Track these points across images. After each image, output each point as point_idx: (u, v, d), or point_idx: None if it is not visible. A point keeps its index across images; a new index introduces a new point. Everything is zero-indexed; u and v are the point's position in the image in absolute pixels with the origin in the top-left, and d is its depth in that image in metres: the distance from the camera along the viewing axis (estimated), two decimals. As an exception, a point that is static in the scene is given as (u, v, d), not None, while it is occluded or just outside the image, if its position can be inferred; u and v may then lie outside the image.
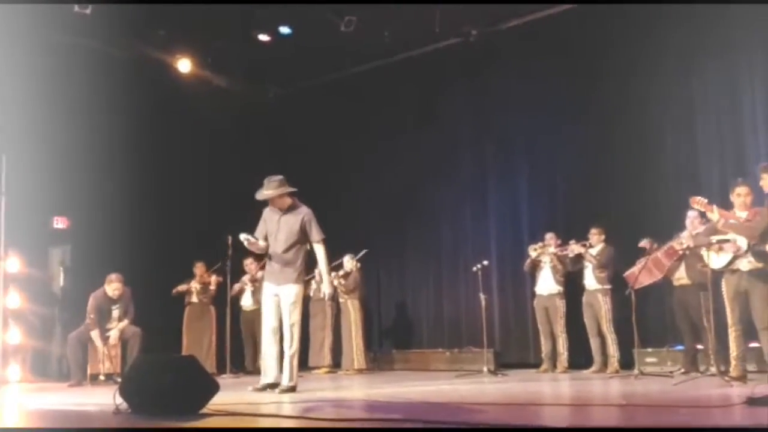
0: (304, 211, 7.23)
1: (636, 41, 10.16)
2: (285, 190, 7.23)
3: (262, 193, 7.24)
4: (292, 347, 7.06)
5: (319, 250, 7.23)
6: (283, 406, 5.87)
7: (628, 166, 10.12)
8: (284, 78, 13.01)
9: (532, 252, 10.04)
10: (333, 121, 12.93)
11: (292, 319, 7.06)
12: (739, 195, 7.03)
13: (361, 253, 11.14)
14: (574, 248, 9.61)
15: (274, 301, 7.13)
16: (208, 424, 4.77)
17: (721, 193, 7.36)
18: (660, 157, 10.05)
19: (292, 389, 7.03)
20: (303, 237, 7.18)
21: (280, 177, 7.32)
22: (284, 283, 7.11)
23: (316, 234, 7.18)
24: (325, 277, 7.50)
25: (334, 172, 12.95)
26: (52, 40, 10.36)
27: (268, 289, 7.20)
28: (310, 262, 10.94)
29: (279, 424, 4.79)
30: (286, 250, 7.13)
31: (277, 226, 7.19)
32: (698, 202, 6.98)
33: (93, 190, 10.51)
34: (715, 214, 6.85)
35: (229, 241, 10.52)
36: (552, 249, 9.90)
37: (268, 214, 7.30)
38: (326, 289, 7.67)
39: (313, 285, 11.31)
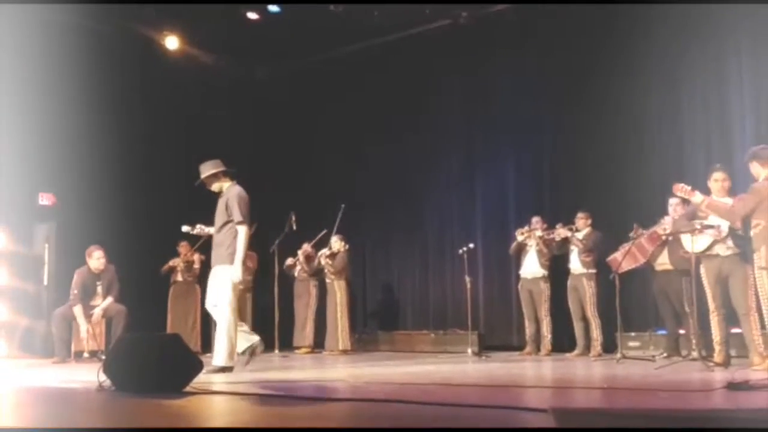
0: (231, 191, 7.20)
1: (625, 28, 10.15)
2: (210, 172, 7.25)
3: (199, 180, 7.33)
4: (222, 328, 6.99)
5: (239, 232, 7.07)
6: (265, 384, 5.89)
7: (614, 151, 10.15)
8: (272, 57, 12.94)
9: (519, 236, 10.06)
10: (320, 101, 12.90)
11: (221, 299, 7.02)
12: (716, 180, 7.07)
13: (320, 234, 11.11)
14: (560, 232, 9.65)
15: (212, 279, 7.17)
16: (191, 403, 4.78)
17: (706, 180, 7.37)
18: (646, 144, 10.09)
19: (222, 370, 6.89)
20: (230, 218, 7.13)
21: (212, 161, 7.35)
22: (216, 264, 7.13)
23: (235, 215, 7.07)
24: (237, 261, 7.04)
25: (320, 153, 12.94)
26: (39, 17, 10.26)
27: (212, 272, 7.24)
28: (290, 243, 11.06)
29: (261, 402, 4.81)
30: (218, 231, 7.17)
31: (216, 209, 7.26)
32: (681, 189, 6.99)
33: (79, 167, 10.46)
34: (698, 197, 6.88)
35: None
36: (539, 233, 9.92)
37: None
38: (234, 274, 7.04)
39: (297, 266, 11.35)
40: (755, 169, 6.82)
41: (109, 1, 10.34)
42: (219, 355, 6.99)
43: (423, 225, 12.23)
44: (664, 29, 9.91)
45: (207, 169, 7.31)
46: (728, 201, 6.98)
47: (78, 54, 10.38)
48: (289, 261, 11.36)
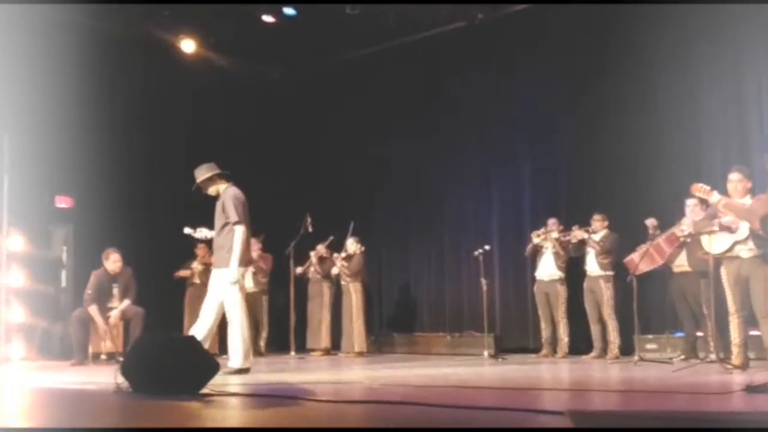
0: (227, 193, 7.19)
1: (642, 27, 10.09)
2: (205, 175, 7.24)
3: (195, 185, 7.32)
4: (235, 329, 6.99)
5: (235, 233, 7.05)
6: (282, 386, 5.90)
7: (631, 152, 10.08)
8: (288, 60, 12.97)
9: (536, 238, 10.04)
10: (337, 104, 12.91)
11: (227, 302, 7.02)
12: (731, 181, 7.03)
13: (328, 240, 11.15)
14: (577, 234, 9.61)
15: (214, 282, 7.15)
16: (209, 404, 4.79)
17: (724, 181, 7.33)
18: (663, 145, 10.02)
19: (239, 372, 6.92)
20: (228, 220, 7.12)
21: (207, 164, 7.34)
22: (218, 267, 7.13)
23: (231, 215, 7.06)
24: (233, 262, 7.00)
25: (336, 154, 12.95)
26: (56, 19, 10.33)
27: (213, 273, 7.25)
28: (303, 246, 11.08)
29: (277, 404, 4.81)
30: (218, 234, 7.16)
31: (215, 214, 7.25)
32: (699, 188, 6.95)
33: (96, 170, 10.51)
34: (715, 196, 6.83)
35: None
36: (555, 234, 9.89)
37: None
38: (230, 275, 7.01)
39: (311, 268, 11.36)
40: None
41: (127, 1, 10.38)
42: (235, 357, 7.00)
43: (439, 227, 12.22)
44: (682, 30, 9.85)
45: (202, 173, 7.30)
46: (747, 202, 6.93)
47: (95, 57, 10.45)
48: (299, 270, 11.34)
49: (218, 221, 7.17)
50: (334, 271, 11.17)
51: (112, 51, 10.70)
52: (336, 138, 12.99)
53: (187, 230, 7.54)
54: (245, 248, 7.12)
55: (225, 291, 7.04)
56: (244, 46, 12.19)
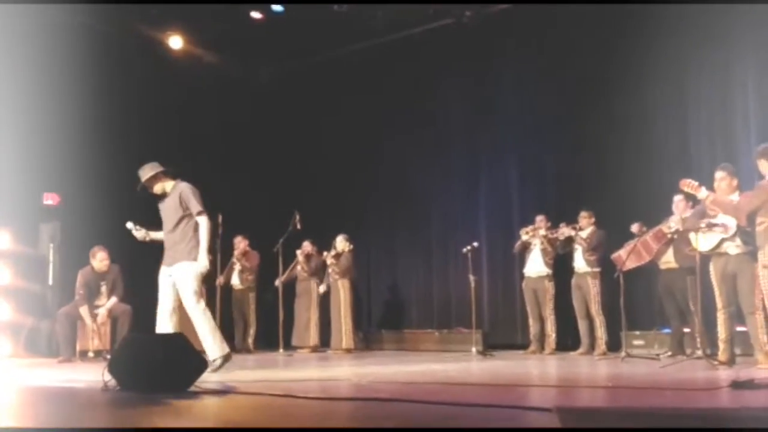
0: (180, 187, 7.08)
1: (630, 28, 10.14)
2: (151, 173, 7.13)
3: (140, 185, 7.17)
4: (201, 324, 6.87)
5: (200, 223, 6.96)
6: (270, 384, 5.89)
7: (618, 149, 10.14)
8: (276, 56, 12.95)
9: (524, 234, 10.06)
10: (324, 101, 12.91)
11: (189, 295, 6.86)
12: (716, 179, 7.07)
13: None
14: (564, 231, 9.64)
15: (169, 282, 6.99)
16: (197, 402, 4.78)
17: (710, 179, 7.36)
18: (651, 143, 10.07)
19: (224, 361, 6.90)
20: (186, 213, 7.00)
21: (150, 164, 7.22)
22: (177, 262, 6.95)
23: (194, 207, 6.96)
24: (202, 252, 6.91)
25: (325, 152, 12.95)
26: (43, 17, 10.28)
27: (163, 272, 7.06)
28: (289, 246, 11.06)
29: (266, 402, 4.81)
30: (173, 230, 7.01)
31: (164, 210, 7.12)
32: (687, 184, 7.01)
33: (83, 167, 10.46)
34: (703, 192, 6.88)
35: (219, 219, 10.53)
36: (542, 231, 9.92)
37: (160, 202, 7.20)
38: (200, 265, 6.91)
39: (298, 266, 11.35)
40: (763, 166, 6.80)
41: (113, 1, 10.34)
42: (211, 350, 6.91)
43: (427, 224, 12.23)
44: (669, 31, 9.88)
45: (146, 173, 7.16)
46: (735, 198, 6.97)
47: (82, 54, 10.39)
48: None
49: (171, 217, 7.02)
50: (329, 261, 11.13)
51: (99, 48, 10.63)
52: (324, 135, 12.99)
53: (129, 224, 7.23)
54: (210, 238, 7.07)
55: (187, 284, 6.87)
56: (232, 42, 12.17)
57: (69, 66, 10.25)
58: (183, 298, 6.93)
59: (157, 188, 7.17)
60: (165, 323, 6.99)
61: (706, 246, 7.11)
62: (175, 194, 7.05)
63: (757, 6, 9.00)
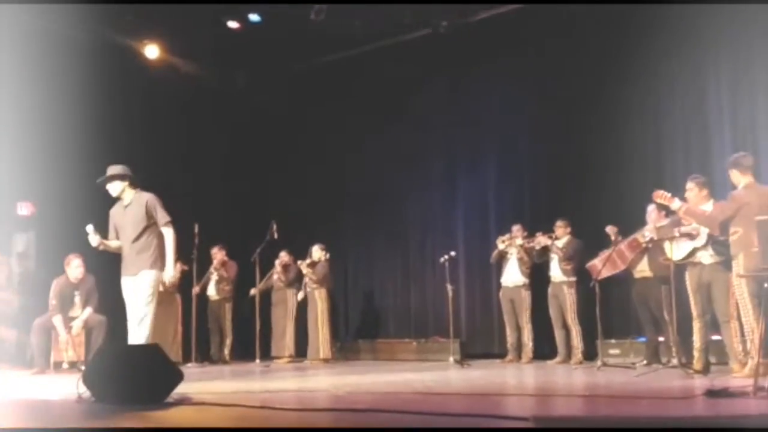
0: (144, 197, 6.98)
1: (604, 36, 10.23)
2: (119, 172, 7.04)
3: (104, 178, 7.07)
4: (140, 339, 6.67)
5: (167, 234, 6.88)
6: (246, 395, 5.87)
7: (594, 160, 10.20)
8: (253, 66, 12.93)
9: (500, 244, 10.10)
10: (302, 111, 12.89)
11: (143, 308, 6.73)
12: (686, 190, 7.16)
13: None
14: (540, 240, 9.68)
15: (132, 289, 6.85)
16: (172, 414, 4.75)
17: (684, 187, 7.42)
18: (626, 153, 10.11)
19: None
20: (150, 223, 6.90)
21: (122, 166, 7.13)
22: (140, 270, 6.81)
23: (161, 217, 6.89)
24: (169, 262, 6.87)
25: (302, 161, 12.92)
26: (16, 23, 10.18)
27: (126, 283, 6.93)
28: (266, 256, 11.03)
29: (242, 413, 4.79)
30: (136, 239, 6.88)
31: (123, 218, 6.99)
32: (660, 195, 7.08)
33: (58, 175, 10.37)
34: (676, 203, 6.96)
35: (196, 229, 10.50)
36: (519, 241, 9.96)
37: (115, 210, 7.10)
38: (167, 275, 6.89)
39: (275, 275, 11.32)
40: (735, 177, 6.88)
41: (90, 1, 10.26)
42: None
43: (404, 233, 12.24)
44: (643, 38, 9.97)
45: (117, 170, 7.07)
46: (708, 208, 7.04)
47: (57, 63, 10.32)
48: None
49: (134, 226, 6.89)
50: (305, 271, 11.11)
51: (74, 56, 10.53)
52: (301, 145, 12.97)
53: (89, 227, 6.95)
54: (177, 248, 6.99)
55: (145, 292, 6.75)
56: (208, 52, 12.13)
57: (44, 75, 10.18)
58: (136, 305, 6.76)
59: (117, 189, 7.02)
60: (137, 334, 6.84)
61: (679, 255, 7.18)
62: (139, 204, 6.93)
63: (730, 9, 9.10)
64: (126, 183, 7.03)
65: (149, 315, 6.76)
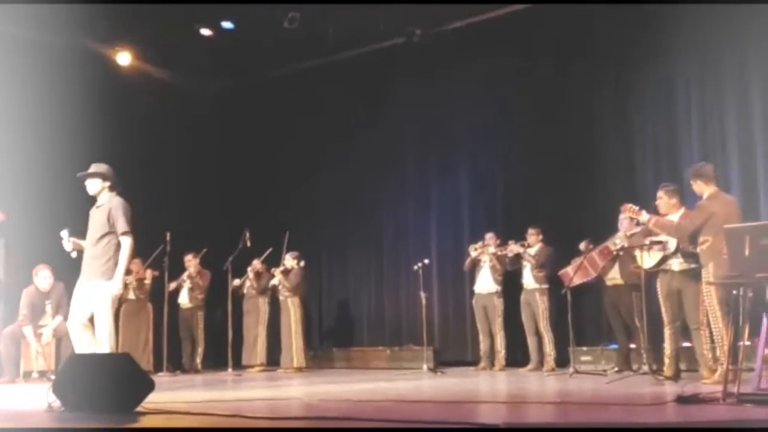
0: (114, 201, 6.80)
1: (576, 45, 10.33)
2: (100, 170, 6.91)
3: (84, 174, 6.95)
4: (104, 347, 6.50)
5: (123, 243, 6.70)
6: (218, 404, 5.83)
7: (566, 168, 10.28)
8: (226, 73, 12.90)
9: (473, 251, 10.13)
10: (275, 118, 12.87)
11: (103, 317, 6.58)
12: (658, 198, 7.23)
13: (266, 252, 11.12)
14: (513, 248, 9.73)
15: (84, 294, 6.68)
16: (143, 423, 4.71)
17: (655, 195, 7.51)
18: (597, 161, 10.21)
19: None
20: (111, 229, 6.72)
21: (108, 166, 6.99)
22: (93, 278, 6.66)
23: (121, 225, 6.68)
24: (119, 273, 6.66)
25: (276, 169, 12.90)
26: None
27: (81, 284, 6.77)
28: (239, 264, 11.00)
29: (214, 422, 4.76)
30: (95, 244, 6.73)
31: (92, 220, 6.84)
32: (629, 209, 7.21)
33: (29, 183, 10.27)
34: (644, 216, 7.04)
35: (168, 237, 10.44)
36: (492, 249, 10.00)
37: (91, 211, 6.94)
38: (114, 287, 6.64)
39: (247, 282, 11.27)
40: (699, 187, 6.95)
41: (63, 1, 10.16)
42: None
43: (378, 241, 12.24)
44: (615, 48, 10.09)
45: (101, 168, 6.94)
46: (675, 218, 7.12)
47: (27, 69, 10.23)
48: (236, 282, 11.26)
49: (97, 230, 6.74)
50: (274, 282, 11.08)
51: (46, 63, 10.46)
52: (274, 152, 12.93)
53: (64, 233, 6.87)
54: (130, 261, 6.86)
55: (103, 305, 6.59)
56: (180, 59, 12.08)
57: (14, 80, 10.08)
58: (96, 318, 6.59)
59: (96, 188, 6.89)
60: (80, 336, 6.61)
61: (650, 263, 7.26)
62: (106, 207, 6.78)
63: (699, 18, 9.23)
64: (106, 184, 6.89)
65: (107, 326, 6.58)
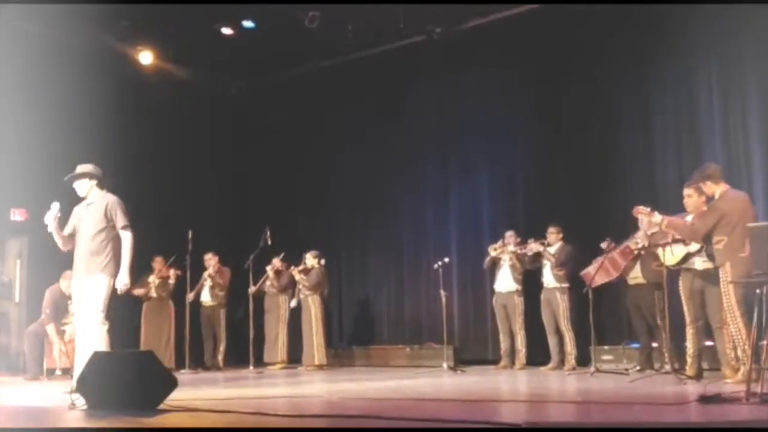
0: (109, 198, 6.86)
1: (597, 42, 10.28)
2: (89, 170, 6.95)
3: (72, 176, 6.96)
4: (98, 346, 6.38)
5: (124, 238, 6.76)
6: (240, 402, 5.86)
7: (587, 165, 10.24)
8: (247, 72, 12.95)
9: (492, 251, 10.11)
10: (295, 117, 12.90)
11: (97, 312, 6.55)
12: (686, 196, 7.18)
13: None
14: (532, 247, 9.69)
15: (88, 288, 6.67)
16: (166, 420, 4.74)
17: (676, 193, 7.47)
18: (618, 158, 10.18)
19: None
20: (109, 225, 6.77)
21: (95, 165, 7.02)
22: (92, 273, 6.66)
23: (121, 220, 6.76)
24: (124, 268, 6.71)
25: (296, 168, 12.93)
26: (12, 28, 10.17)
27: (78, 281, 6.77)
28: (260, 263, 11.02)
29: (236, 419, 4.79)
30: (91, 239, 6.74)
31: (84, 217, 6.86)
32: (641, 211, 7.18)
33: (51, 181, 10.33)
34: (657, 217, 7.00)
35: (189, 236, 10.51)
36: (511, 248, 9.97)
37: (78, 208, 6.98)
38: (120, 281, 6.69)
39: (267, 282, 11.31)
40: (709, 188, 6.90)
41: (84, 15, 10.27)
42: None
43: (398, 240, 12.24)
44: (634, 43, 10.03)
45: (88, 168, 6.99)
46: (689, 218, 7.09)
47: (50, 68, 10.32)
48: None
49: (93, 226, 6.77)
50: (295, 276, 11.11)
51: (68, 62, 10.55)
52: (294, 151, 12.97)
53: (55, 205, 6.80)
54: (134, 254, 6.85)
55: (98, 299, 6.58)
56: (202, 58, 12.13)
57: (38, 80, 10.18)
58: (89, 312, 6.59)
59: (84, 186, 6.94)
60: (94, 331, 6.59)
61: (673, 260, 7.21)
62: (101, 204, 6.81)
63: (721, 14, 9.15)
64: (94, 182, 6.94)
65: (102, 322, 6.56)
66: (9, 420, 5.24)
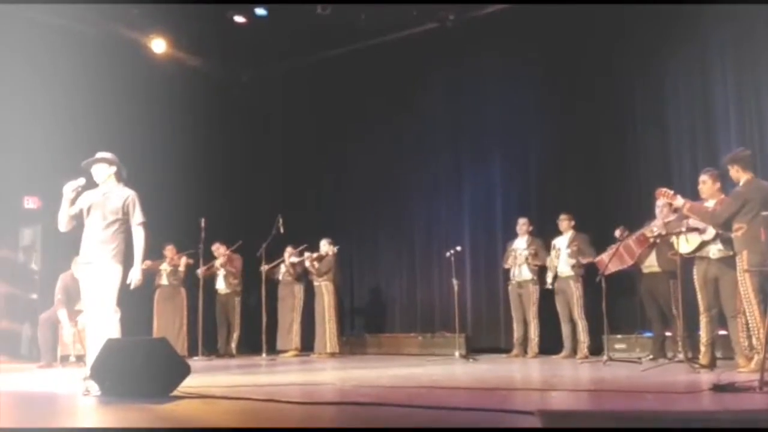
0: (127, 192, 6.83)
1: (611, 31, 10.21)
2: (109, 157, 6.90)
3: (91, 161, 6.91)
4: (109, 335, 6.25)
5: (139, 234, 6.72)
6: (253, 389, 5.88)
7: (601, 152, 10.21)
8: (259, 60, 12.93)
9: (505, 264, 10.17)
10: (308, 105, 12.89)
11: (110, 302, 6.49)
12: (701, 182, 7.15)
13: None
14: (543, 259, 9.80)
15: (98, 275, 6.56)
16: (179, 407, 4.77)
17: (692, 181, 7.43)
18: (632, 147, 10.13)
19: None
20: (124, 218, 6.73)
21: (105, 153, 6.97)
22: (106, 260, 6.59)
23: (138, 216, 6.74)
24: (137, 263, 6.66)
25: (307, 155, 12.94)
26: (23, 17, 10.20)
27: (85, 269, 6.69)
28: (273, 251, 11.04)
29: (249, 406, 4.80)
30: (104, 229, 6.67)
31: (99, 204, 6.76)
32: (663, 193, 7.11)
33: (63, 169, 10.37)
34: (679, 200, 6.96)
35: (202, 224, 10.53)
36: (525, 255, 9.97)
37: (92, 193, 6.86)
38: (134, 276, 6.64)
39: (282, 268, 11.34)
40: (736, 173, 6.86)
41: (96, 1, 10.27)
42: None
43: (410, 228, 12.24)
44: (649, 32, 9.96)
45: (107, 155, 6.93)
46: (710, 204, 7.04)
47: (63, 57, 10.33)
48: (266, 267, 11.26)
49: (106, 216, 6.69)
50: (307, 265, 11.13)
51: (81, 51, 10.57)
52: (307, 138, 12.97)
53: (82, 180, 6.70)
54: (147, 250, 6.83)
55: (111, 289, 6.53)
56: (214, 46, 12.13)
57: (50, 68, 10.19)
58: (102, 301, 6.51)
59: (103, 172, 6.87)
60: (106, 318, 6.51)
61: (688, 248, 7.18)
62: (120, 197, 6.78)
63: (735, 6, 9.08)
64: (113, 170, 6.89)
65: (114, 310, 6.52)
66: (24, 405, 5.28)
